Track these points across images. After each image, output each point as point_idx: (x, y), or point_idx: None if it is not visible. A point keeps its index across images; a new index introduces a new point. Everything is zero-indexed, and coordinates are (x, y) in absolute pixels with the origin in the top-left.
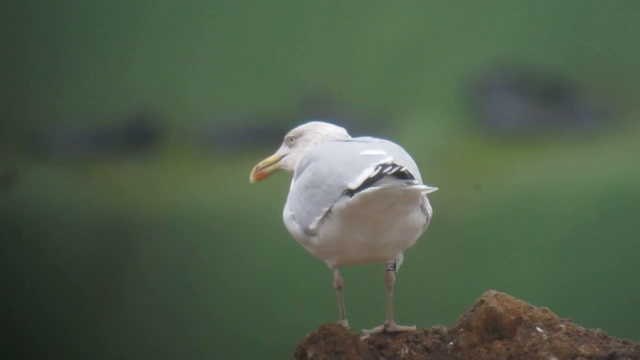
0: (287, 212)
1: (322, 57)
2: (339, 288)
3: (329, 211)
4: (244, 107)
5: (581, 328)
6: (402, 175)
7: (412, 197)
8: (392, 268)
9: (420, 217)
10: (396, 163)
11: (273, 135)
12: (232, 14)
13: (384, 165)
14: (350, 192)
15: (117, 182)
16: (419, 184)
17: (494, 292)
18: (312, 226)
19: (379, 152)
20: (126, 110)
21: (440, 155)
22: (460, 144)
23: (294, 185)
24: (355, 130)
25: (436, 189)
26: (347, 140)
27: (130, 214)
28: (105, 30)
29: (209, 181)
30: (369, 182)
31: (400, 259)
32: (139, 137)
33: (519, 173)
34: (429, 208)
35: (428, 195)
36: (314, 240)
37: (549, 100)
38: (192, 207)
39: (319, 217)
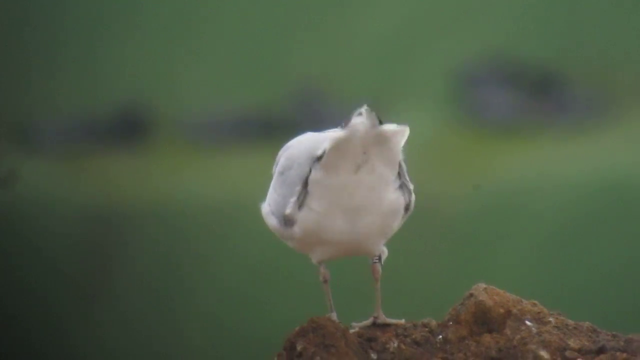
0: (265, 208)
1: (312, 49)
2: (325, 281)
3: (304, 191)
4: (234, 98)
5: (570, 321)
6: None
7: (384, 138)
8: (377, 260)
9: (399, 198)
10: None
11: (263, 127)
12: (222, 8)
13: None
14: (319, 158)
15: (108, 173)
16: (388, 125)
17: (483, 285)
18: (288, 210)
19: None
20: (117, 102)
21: (429, 148)
22: (449, 136)
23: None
24: None
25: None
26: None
27: (121, 205)
28: (96, 24)
29: (200, 172)
30: None
31: (384, 252)
32: (130, 129)
33: (508, 165)
34: (410, 187)
35: (419, 188)
36: (294, 231)
37: (538, 92)
38: (183, 198)
39: (293, 199)
